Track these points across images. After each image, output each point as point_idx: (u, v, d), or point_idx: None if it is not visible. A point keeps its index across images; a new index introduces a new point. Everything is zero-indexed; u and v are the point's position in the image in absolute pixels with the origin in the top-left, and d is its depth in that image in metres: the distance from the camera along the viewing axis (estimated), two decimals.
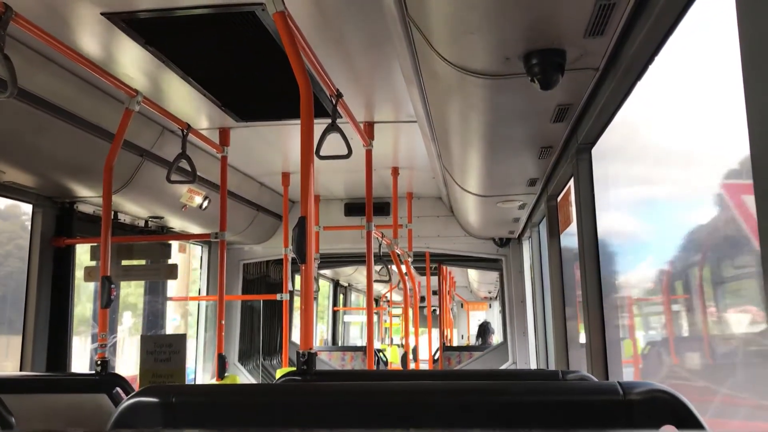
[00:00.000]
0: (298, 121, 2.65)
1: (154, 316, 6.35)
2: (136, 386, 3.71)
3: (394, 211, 6.10)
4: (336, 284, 13.93)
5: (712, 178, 2.20)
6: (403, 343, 11.84)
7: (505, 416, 1.48)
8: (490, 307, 19.33)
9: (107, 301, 3.72)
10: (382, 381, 2.50)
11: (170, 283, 6.27)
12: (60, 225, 4.74)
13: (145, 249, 5.31)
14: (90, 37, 3.24)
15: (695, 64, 2.24)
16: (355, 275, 13.86)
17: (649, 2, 2.03)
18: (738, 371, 2.14)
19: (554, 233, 4.81)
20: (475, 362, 8.97)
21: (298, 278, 7.39)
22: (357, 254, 7.59)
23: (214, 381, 5.07)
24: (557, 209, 4.71)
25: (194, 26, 3.13)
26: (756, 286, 1.92)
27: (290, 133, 4.89)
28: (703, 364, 2.42)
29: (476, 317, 19.29)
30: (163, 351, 3.86)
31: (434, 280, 14.28)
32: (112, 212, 4.99)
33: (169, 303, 6.60)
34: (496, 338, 14.81)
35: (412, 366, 6.74)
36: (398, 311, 18.32)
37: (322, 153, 3.53)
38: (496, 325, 15.36)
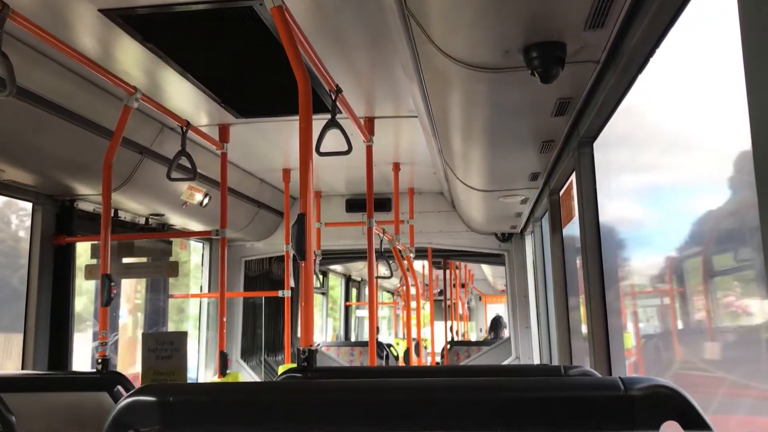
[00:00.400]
0: (298, 117, 2.64)
1: (155, 313, 6.35)
2: (137, 384, 3.71)
3: (396, 207, 6.08)
4: (348, 279, 13.90)
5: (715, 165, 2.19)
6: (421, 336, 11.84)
7: (506, 413, 1.47)
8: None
9: (107, 299, 3.71)
10: (383, 378, 2.49)
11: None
12: (60, 223, 4.73)
13: (146, 246, 5.30)
14: (88, 34, 3.22)
15: (697, 57, 2.22)
16: (366, 270, 13.83)
17: None
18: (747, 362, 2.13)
19: (556, 228, 4.79)
20: (483, 356, 8.98)
21: None
22: (358, 250, 7.59)
23: (216, 378, 5.07)
24: (559, 203, 4.70)
25: (192, 22, 3.12)
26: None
27: (290, 129, 4.88)
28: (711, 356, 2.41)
29: (495, 310, 19.20)
30: (164, 349, 3.86)
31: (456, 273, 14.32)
32: (113, 210, 4.99)
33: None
34: (508, 332, 14.80)
35: (424, 360, 6.75)
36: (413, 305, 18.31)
37: (322, 149, 3.51)
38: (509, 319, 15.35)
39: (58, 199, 4.73)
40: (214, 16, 3.06)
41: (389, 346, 10.70)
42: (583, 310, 4.08)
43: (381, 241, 5.72)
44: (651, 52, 2.31)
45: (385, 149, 5.43)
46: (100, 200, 3.99)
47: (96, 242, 4.88)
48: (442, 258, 9.82)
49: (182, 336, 3.88)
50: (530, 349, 7.39)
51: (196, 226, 6.05)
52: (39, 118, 3.58)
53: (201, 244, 7.20)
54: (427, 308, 15.44)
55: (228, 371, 4.85)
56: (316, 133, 3.09)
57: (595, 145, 3.34)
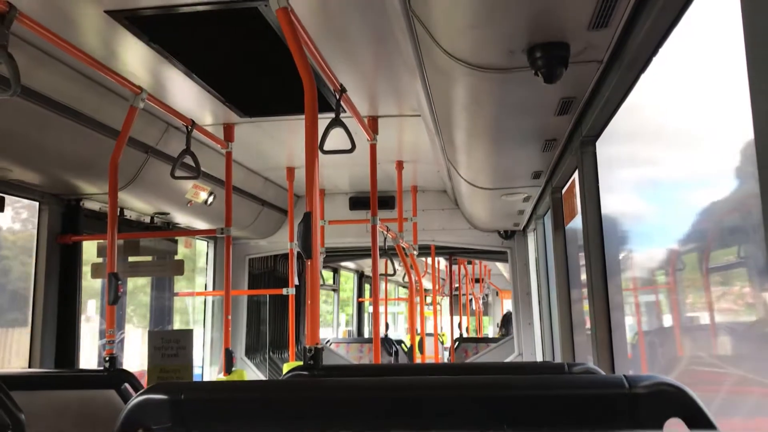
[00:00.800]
0: (302, 116, 2.65)
1: (160, 311, 6.37)
2: (144, 382, 3.73)
3: (399, 205, 6.10)
4: (361, 275, 13.91)
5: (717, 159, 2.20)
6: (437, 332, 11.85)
7: (510, 411, 1.49)
8: None
9: (114, 297, 3.73)
10: (389, 375, 2.51)
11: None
12: (66, 222, 4.76)
13: (152, 245, 5.33)
14: (94, 34, 3.24)
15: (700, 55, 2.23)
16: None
17: None
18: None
19: (559, 225, 4.81)
20: (489, 354, 9.00)
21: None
22: (362, 248, 7.60)
23: (221, 376, 5.09)
24: (562, 201, 4.71)
25: (197, 22, 3.13)
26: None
27: (294, 128, 4.90)
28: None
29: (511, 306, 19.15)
30: (170, 347, 3.89)
31: (474, 269, 14.32)
32: (118, 209, 5.01)
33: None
34: None
35: (441, 355, 6.74)
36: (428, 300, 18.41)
37: (326, 147, 3.53)
38: None
39: (64, 198, 4.76)
40: (220, 17, 3.08)
41: (400, 342, 10.68)
42: (585, 306, 4.10)
43: (385, 238, 5.74)
44: (654, 52, 2.33)
45: (389, 147, 5.45)
46: (106, 199, 4.01)
47: (102, 241, 4.90)
48: (447, 255, 9.81)
49: (188, 334, 3.91)
50: (533, 346, 7.41)
51: (200, 225, 6.08)
52: (46, 118, 3.61)
53: (205, 243, 7.23)
54: (443, 304, 15.49)
55: (233, 369, 4.88)
56: (320, 132, 3.10)
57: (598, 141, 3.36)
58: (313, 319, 2.56)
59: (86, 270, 5.03)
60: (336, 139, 3.63)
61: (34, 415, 2.56)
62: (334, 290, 13.38)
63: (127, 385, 3.22)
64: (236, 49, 3.50)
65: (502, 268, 15.10)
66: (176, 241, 5.75)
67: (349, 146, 3.76)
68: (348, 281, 14.04)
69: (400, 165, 5.96)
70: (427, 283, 15.56)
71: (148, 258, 5.44)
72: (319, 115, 2.71)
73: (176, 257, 5.66)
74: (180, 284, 6.94)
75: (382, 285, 13.80)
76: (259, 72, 3.84)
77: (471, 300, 16.16)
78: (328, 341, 10.33)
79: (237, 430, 1.50)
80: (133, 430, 1.45)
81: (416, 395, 1.55)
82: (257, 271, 7.96)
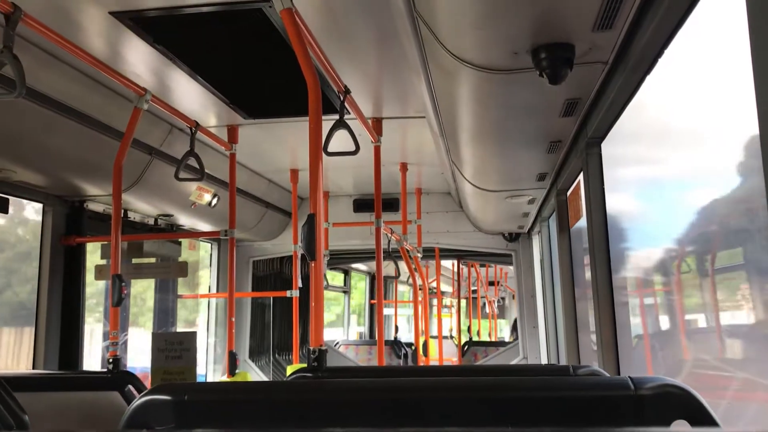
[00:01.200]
0: (306, 118, 2.65)
1: (164, 313, 6.38)
2: (147, 384, 3.73)
3: (403, 207, 6.09)
4: (373, 277, 13.87)
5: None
6: (452, 334, 11.78)
7: (516, 412, 1.48)
8: None
9: (118, 299, 3.73)
10: (393, 377, 2.50)
11: None
12: (70, 224, 4.77)
13: (155, 247, 5.33)
14: (98, 36, 3.25)
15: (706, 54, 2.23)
16: (390, 268, 13.79)
17: None
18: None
19: (564, 228, 4.80)
20: (498, 357, 8.99)
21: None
22: (366, 250, 7.60)
23: (225, 378, 5.09)
24: (567, 204, 4.70)
25: (202, 24, 3.14)
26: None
27: (298, 129, 4.90)
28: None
29: None
30: (173, 348, 3.88)
31: (490, 271, 14.32)
32: (122, 210, 5.02)
33: None
34: None
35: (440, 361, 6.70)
36: (446, 302, 18.36)
37: (330, 149, 3.53)
38: None
39: (68, 199, 4.76)
40: (224, 18, 3.08)
41: (410, 345, 10.65)
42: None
43: (389, 241, 5.73)
44: (659, 53, 2.32)
45: (393, 149, 5.44)
46: (110, 201, 4.01)
47: (106, 243, 4.91)
48: (455, 258, 9.79)
49: (192, 336, 3.90)
50: (538, 349, 7.39)
51: (204, 227, 6.08)
52: (50, 119, 3.61)
53: (209, 245, 7.23)
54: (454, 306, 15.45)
55: (236, 371, 4.87)
56: (324, 134, 3.10)
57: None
58: (317, 321, 2.56)
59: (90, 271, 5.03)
60: (340, 140, 3.63)
61: (38, 417, 2.56)
62: (345, 292, 13.37)
63: (130, 386, 3.21)
64: (240, 51, 3.51)
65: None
66: (180, 243, 5.75)
67: (353, 148, 3.76)
68: (360, 283, 14.03)
69: (404, 167, 5.95)
70: (446, 287, 15.55)
71: (152, 260, 5.44)
72: (323, 117, 2.71)
73: (180, 259, 5.66)
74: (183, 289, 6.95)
75: (395, 287, 13.84)
76: (263, 73, 3.84)
77: (486, 303, 16.15)
78: (337, 343, 10.31)
79: (241, 431, 1.50)
80: (137, 430, 1.45)
81: (419, 397, 1.55)
82: (261, 273, 7.96)
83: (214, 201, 5.63)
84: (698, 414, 1.37)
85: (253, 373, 7.55)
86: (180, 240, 5.80)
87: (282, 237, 7.54)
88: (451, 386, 1.60)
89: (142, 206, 5.23)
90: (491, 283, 15.23)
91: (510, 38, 2.33)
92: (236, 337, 6.06)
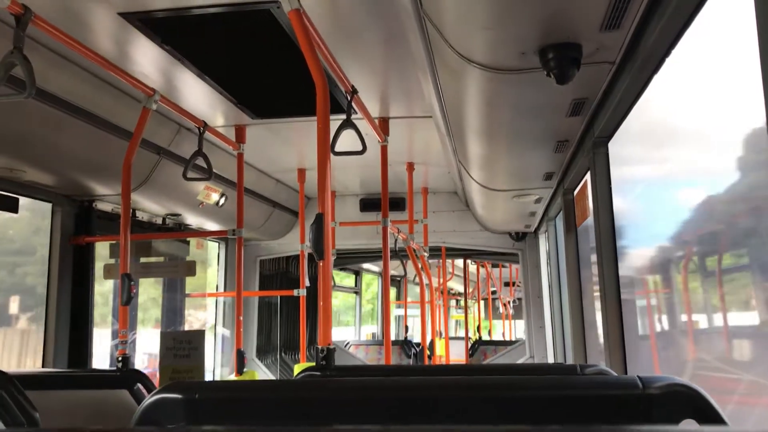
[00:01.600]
0: (313, 118, 2.66)
1: (172, 312, 6.40)
2: (155, 382, 3.75)
3: (410, 207, 6.10)
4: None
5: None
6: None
7: (523, 411, 1.49)
8: None
9: (127, 298, 3.75)
10: (401, 376, 2.51)
11: None
12: (79, 223, 4.79)
13: (163, 246, 5.35)
14: (107, 37, 3.27)
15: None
16: (400, 269, 13.78)
17: None
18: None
19: (571, 227, 4.80)
20: (504, 356, 9.00)
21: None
22: (373, 250, 7.60)
23: (233, 377, 5.11)
24: (574, 203, 4.70)
25: (210, 24, 3.15)
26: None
27: (305, 129, 4.91)
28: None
29: None
30: (182, 347, 3.90)
31: (504, 272, 14.33)
32: (131, 210, 5.04)
33: None
34: None
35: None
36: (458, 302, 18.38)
37: (337, 149, 3.54)
38: None
39: (77, 199, 4.79)
40: (231, 19, 3.09)
41: (420, 344, 10.66)
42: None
43: (395, 240, 5.74)
44: (667, 53, 2.32)
45: (400, 149, 5.45)
46: (119, 200, 4.03)
47: (115, 242, 4.93)
48: (460, 257, 9.79)
49: (200, 335, 3.92)
50: (544, 348, 7.38)
51: (212, 226, 6.10)
52: (59, 119, 3.63)
53: (216, 244, 7.26)
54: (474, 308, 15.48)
55: (244, 370, 4.89)
56: (332, 134, 3.11)
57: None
58: (326, 320, 2.57)
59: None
60: (347, 140, 3.64)
61: (48, 414, 2.58)
62: (355, 293, 13.38)
63: (139, 385, 3.23)
64: (248, 51, 3.52)
65: None
66: (188, 242, 5.77)
67: (360, 148, 3.76)
68: (373, 284, 14.04)
69: (410, 166, 5.96)
70: (459, 286, 15.55)
71: (160, 259, 5.47)
72: (331, 117, 2.72)
73: (188, 258, 5.68)
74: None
75: (405, 287, 13.83)
76: (271, 73, 3.85)
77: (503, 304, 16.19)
78: (347, 343, 10.31)
79: (251, 428, 1.51)
80: (148, 428, 1.47)
81: (426, 395, 1.56)
82: (266, 272, 7.98)
83: (222, 200, 5.65)
84: (706, 413, 1.37)
85: (261, 371, 7.57)
86: (188, 239, 5.83)
87: (289, 236, 7.56)
88: (457, 385, 1.61)
89: (150, 206, 5.26)
90: (507, 284, 15.24)
91: (517, 38, 2.34)
92: (244, 336, 6.08)
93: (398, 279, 14.36)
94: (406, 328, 10.85)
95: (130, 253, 3.99)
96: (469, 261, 11.84)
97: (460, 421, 1.49)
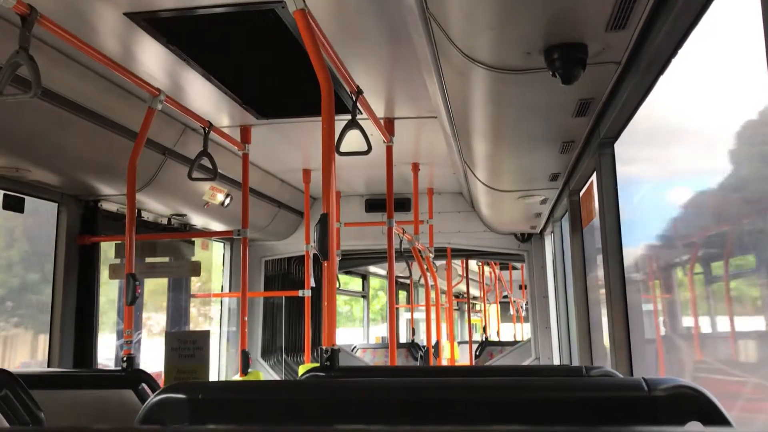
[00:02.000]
0: (319, 118, 2.66)
1: (177, 312, 6.41)
2: (160, 382, 3.76)
3: (415, 207, 6.09)
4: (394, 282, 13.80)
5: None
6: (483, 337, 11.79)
7: (527, 413, 1.48)
8: None
9: (132, 298, 3.76)
10: (405, 377, 2.51)
11: None
12: (85, 223, 4.80)
13: (169, 246, 5.36)
14: (113, 37, 3.27)
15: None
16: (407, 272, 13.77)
17: None
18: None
19: (577, 228, 4.78)
20: (509, 356, 8.98)
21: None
22: (378, 251, 7.60)
23: (238, 377, 5.11)
24: (579, 204, 4.68)
25: (215, 25, 3.15)
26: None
27: (311, 129, 4.91)
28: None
29: None
30: (186, 347, 3.90)
31: (507, 274, 14.33)
32: (136, 210, 5.05)
33: None
34: None
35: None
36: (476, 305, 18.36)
37: (342, 149, 3.54)
38: None
39: (82, 199, 4.80)
40: (237, 19, 3.09)
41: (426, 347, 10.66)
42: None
43: (401, 241, 5.73)
44: (673, 53, 2.31)
45: (405, 149, 5.44)
46: (124, 200, 4.04)
47: (120, 242, 4.94)
48: (465, 257, 9.79)
49: (205, 335, 3.92)
50: (550, 349, 7.36)
51: (217, 226, 6.10)
52: (64, 119, 3.64)
53: (222, 244, 7.27)
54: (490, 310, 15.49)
55: (249, 370, 4.89)
56: (337, 134, 3.11)
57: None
58: (330, 321, 2.57)
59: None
60: (352, 140, 3.64)
61: (53, 413, 2.59)
62: (363, 296, 13.38)
63: (144, 385, 3.24)
64: (253, 51, 3.52)
65: None
66: (193, 243, 5.78)
67: (365, 148, 3.76)
68: (380, 287, 14.05)
69: (416, 167, 5.95)
70: (474, 290, 15.55)
71: (165, 259, 5.47)
72: (336, 117, 2.72)
73: (193, 258, 5.69)
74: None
75: (411, 290, 13.83)
76: (276, 74, 3.85)
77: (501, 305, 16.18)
78: (355, 347, 10.30)
79: (254, 429, 1.51)
80: (151, 427, 1.46)
81: (431, 396, 1.55)
82: (269, 273, 7.98)
83: (227, 201, 5.66)
84: (712, 415, 1.36)
85: (265, 372, 7.57)
86: (193, 239, 5.83)
87: (294, 237, 7.56)
88: (461, 386, 1.60)
89: (155, 206, 5.26)
90: (521, 287, 15.22)
91: (523, 38, 2.33)
92: (249, 337, 6.08)
93: (406, 283, 14.34)
94: (413, 330, 10.86)
95: (135, 253, 3.99)
96: (485, 266, 11.84)
97: (464, 423, 1.48)
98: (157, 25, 3.13)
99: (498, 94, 2.89)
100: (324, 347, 2.47)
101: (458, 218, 7.45)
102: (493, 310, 16.44)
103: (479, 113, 3.27)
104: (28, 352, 5.18)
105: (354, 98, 3.57)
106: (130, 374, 3.32)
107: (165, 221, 5.70)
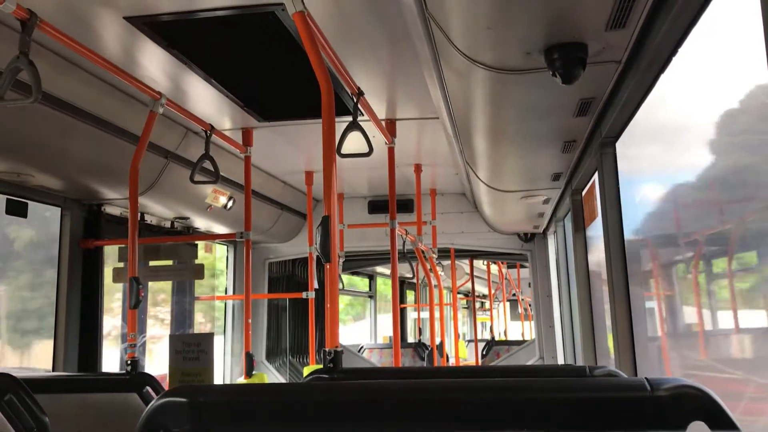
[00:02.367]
0: (320, 120, 2.66)
1: (181, 315, 6.42)
2: (165, 385, 3.76)
3: (418, 208, 6.09)
4: (402, 282, 13.78)
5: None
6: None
7: (531, 413, 1.47)
8: None
9: (136, 301, 3.76)
10: (409, 378, 2.51)
11: None
12: (88, 227, 4.81)
13: (172, 249, 5.37)
14: (113, 40, 3.28)
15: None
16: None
17: None
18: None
19: (579, 228, 4.78)
20: (517, 354, 8.99)
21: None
22: (381, 252, 7.59)
23: (242, 379, 5.11)
24: (582, 203, 4.68)
25: (215, 27, 3.16)
26: None
27: (313, 131, 4.91)
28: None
29: None
30: (191, 350, 3.90)
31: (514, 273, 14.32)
32: (139, 214, 5.05)
33: None
34: None
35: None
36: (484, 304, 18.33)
37: (343, 151, 3.54)
38: None
39: (85, 203, 4.80)
40: (237, 22, 3.10)
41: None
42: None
43: (404, 242, 5.73)
44: (673, 52, 2.30)
45: (407, 151, 5.44)
46: (127, 204, 4.04)
47: (123, 246, 4.94)
48: (469, 257, 9.78)
49: (209, 337, 3.92)
50: (554, 349, 7.36)
51: (220, 229, 6.11)
52: (66, 124, 3.65)
53: (225, 247, 7.27)
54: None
55: (253, 372, 4.90)
56: (338, 136, 3.11)
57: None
58: (333, 323, 2.56)
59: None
60: (354, 142, 3.64)
61: (58, 418, 2.59)
62: (369, 297, 13.37)
63: (148, 388, 3.23)
64: (254, 54, 3.52)
65: None
66: (196, 246, 5.78)
67: (366, 149, 3.76)
68: (387, 287, 14.03)
69: (418, 168, 5.95)
70: (483, 288, 15.56)
71: (169, 262, 5.48)
72: (337, 119, 2.72)
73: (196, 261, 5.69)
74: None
75: (417, 290, 13.83)
76: (277, 76, 3.85)
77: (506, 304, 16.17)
78: (361, 348, 10.30)
79: None
80: None
81: (435, 398, 1.55)
82: (276, 275, 7.99)
83: (230, 203, 5.66)
84: (716, 416, 1.35)
85: (270, 374, 7.57)
86: (196, 242, 5.84)
87: (297, 239, 7.56)
88: (465, 387, 1.60)
89: (158, 209, 5.27)
90: (530, 285, 15.22)
91: (522, 38, 2.33)
92: (253, 339, 6.09)
93: (413, 282, 14.29)
94: (420, 330, 10.85)
95: (139, 256, 4.00)
96: (492, 264, 11.84)
97: (467, 424, 1.48)
98: (158, 29, 3.13)
99: (499, 94, 2.89)
100: (327, 349, 2.46)
101: (461, 219, 7.45)
102: (501, 308, 16.43)
103: (480, 114, 3.27)
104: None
105: (355, 100, 3.57)
106: (134, 377, 3.32)
107: (168, 224, 5.71)
